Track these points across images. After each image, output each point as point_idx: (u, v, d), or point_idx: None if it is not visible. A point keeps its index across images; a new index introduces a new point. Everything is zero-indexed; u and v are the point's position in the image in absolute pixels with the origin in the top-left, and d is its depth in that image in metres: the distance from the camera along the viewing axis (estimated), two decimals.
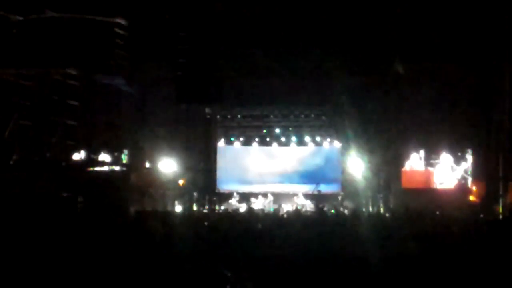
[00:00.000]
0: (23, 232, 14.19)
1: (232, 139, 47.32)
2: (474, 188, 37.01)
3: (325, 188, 45.53)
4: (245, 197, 45.13)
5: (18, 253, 12.63)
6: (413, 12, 36.45)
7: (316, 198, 44.05)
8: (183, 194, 41.99)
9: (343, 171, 44.85)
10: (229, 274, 12.63)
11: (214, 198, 45.16)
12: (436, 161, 38.37)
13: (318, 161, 46.76)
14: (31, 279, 11.70)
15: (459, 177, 37.86)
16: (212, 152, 46.32)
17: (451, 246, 15.78)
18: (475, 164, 37.50)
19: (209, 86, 41.35)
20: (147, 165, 40.77)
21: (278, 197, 44.95)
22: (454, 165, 38.02)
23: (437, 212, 29.07)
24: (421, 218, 23.11)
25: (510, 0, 33.47)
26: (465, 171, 37.84)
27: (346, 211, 37.96)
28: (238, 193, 45.41)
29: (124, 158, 40.06)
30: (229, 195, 45.52)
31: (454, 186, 37.74)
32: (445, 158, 38.05)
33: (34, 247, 13.16)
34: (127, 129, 40.10)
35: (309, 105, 45.04)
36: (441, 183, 38.09)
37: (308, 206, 42.95)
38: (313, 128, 46.96)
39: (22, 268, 11.88)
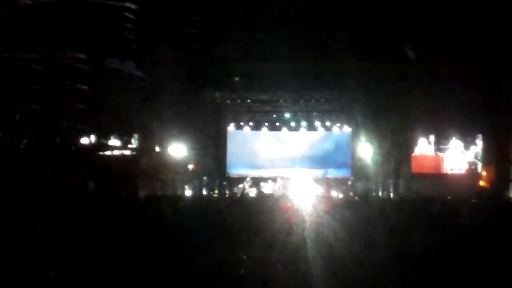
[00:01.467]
0: (33, 219, 14.19)
1: (242, 123, 47.25)
2: (484, 173, 36.89)
3: (334, 173, 45.52)
4: (255, 182, 45.13)
5: (27, 240, 12.63)
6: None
7: (326, 182, 44.03)
8: (193, 179, 42.04)
9: (353, 156, 44.84)
10: (244, 257, 12.65)
11: (224, 183, 45.20)
12: (446, 146, 38.30)
13: (328, 146, 46.73)
14: (40, 266, 11.70)
15: (469, 162, 37.78)
16: (222, 136, 46.34)
17: (462, 232, 15.74)
18: (485, 149, 37.36)
19: (219, 70, 41.35)
20: (157, 149, 40.79)
21: (288, 182, 44.95)
22: (464, 150, 37.93)
23: (448, 197, 29.03)
24: (432, 203, 23.03)
25: None
26: (475, 156, 37.74)
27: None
28: (250, 178, 45.40)
29: (134, 143, 40.09)
30: (239, 180, 45.51)
31: (464, 171, 37.65)
32: (455, 143, 37.97)
33: (44, 234, 13.15)
34: (137, 113, 40.03)
35: (319, 90, 44.91)
36: (451, 169, 38.02)
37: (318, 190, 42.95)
38: (323, 113, 46.94)
39: (32, 256, 11.88)
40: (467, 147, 37.90)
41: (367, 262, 12.73)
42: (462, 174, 37.54)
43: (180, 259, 12.63)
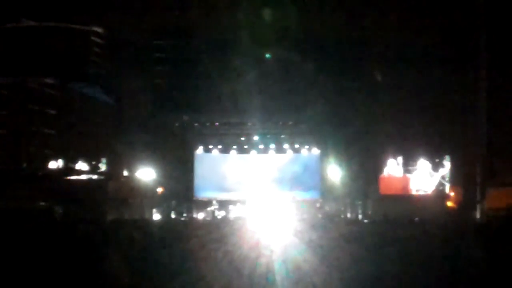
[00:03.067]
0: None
1: (210, 146, 47.14)
2: (452, 194, 37.16)
3: (303, 195, 45.52)
4: (223, 205, 45.02)
5: None
6: (391, 20, 36.62)
7: (295, 204, 44.01)
8: (161, 202, 41.92)
9: (321, 178, 44.84)
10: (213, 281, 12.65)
11: (193, 206, 45.06)
12: (414, 167, 38.52)
13: (296, 168, 46.68)
14: None
15: (437, 183, 38.02)
16: (190, 160, 46.19)
17: (430, 251, 15.82)
18: (453, 170, 37.65)
19: (187, 94, 41.39)
20: (125, 173, 40.66)
21: (257, 204, 44.88)
22: (432, 171, 38.17)
23: (416, 219, 29.17)
24: (400, 224, 23.17)
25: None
26: (443, 177, 37.99)
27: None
28: (217, 201, 45.28)
29: (102, 167, 39.94)
30: (207, 203, 45.38)
31: (432, 192, 37.88)
32: (423, 164, 38.21)
33: (12, 259, 13.06)
34: (105, 137, 39.94)
35: (288, 112, 44.99)
36: (417, 190, 38.23)
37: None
38: (291, 135, 46.92)
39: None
40: (434, 168, 38.14)
41: (335, 284, 12.77)
42: (429, 194, 37.76)
43: (148, 283, 12.60)
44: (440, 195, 37.64)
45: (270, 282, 13.16)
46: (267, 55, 40.92)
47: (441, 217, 31.40)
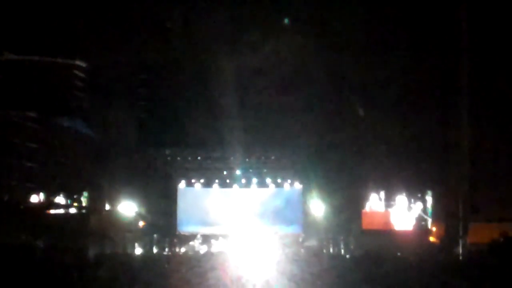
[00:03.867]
0: None
1: (192, 180, 47.07)
2: (434, 229, 37.18)
3: (285, 230, 45.47)
4: (206, 239, 44.88)
5: None
6: (371, 54, 36.89)
7: (276, 239, 43.93)
8: (143, 236, 41.75)
9: (303, 212, 44.85)
10: None
11: (175, 240, 44.89)
12: (394, 202, 38.57)
13: (278, 202, 46.65)
14: None
15: (417, 218, 38.03)
16: (173, 194, 46.10)
17: (412, 287, 15.84)
18: (435, 205, 37.70)
19: (169, 128, 41.42)
20: (107, 207, 40.52)
21: (239, 239, 44.77)
22: (410, 207, 38.21)
23: (398, 254, 29.17)
24: (381, 260, 23.14)
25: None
26: (425, 212, 38.02)
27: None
28: (200, 235, 45.12)
29: (84, 200, 39.78)
30: (190, 237, 45.21)
31: (412, 227, 37.88)
32: (401, 199, 38.28)
33: None
34: (87, 171, 39.80)
35: (270, 147, 45.14)
36: (398, 225, 38.22)
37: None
38: (274, 170, 46.96)
39: None
40: (415, 203, 38.19)
41: None
42: (411, 230, 37.76)
43: None
44: (422, 230, 37.63)
45: None
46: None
47: (424, 252, 31.41)
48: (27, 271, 15.83)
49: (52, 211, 36.39)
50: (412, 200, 38.31)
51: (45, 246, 26.09)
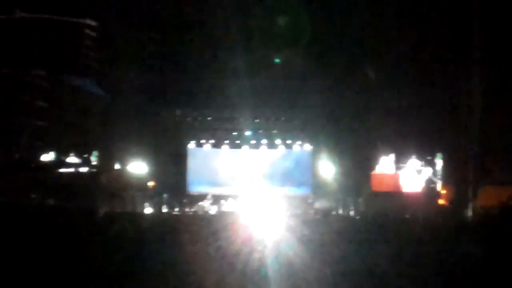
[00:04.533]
0: None
1: (202, 141, 47.05)
2: (444, 192, 37.10)
3: (295, 191, 45.51)
4: (216, 199, 44.94)
5: None
6: (381, 16, 36.65)
7: (286, 200, 43.99)
8: (153, 196, 41.84)
9: (313, 174, 44.83)
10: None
11: (185, 200, 44.99)
12: (404, 165, 38.46)
13: (288, 164, 46.64)
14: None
15: (427, 180, 37.93)
16: (183, 154, 46.12)
17: (421, 248, 15.84)
18: (445, 168, 37.59)
19: (179, 88, 41.30)
20: (117, 166, 40.57)
21: (249, 199, 44.82)
22: (421, 169, 38.08)
23: (407, 216, 29.17)
24: (391, 221, 23.17)
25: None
26: (435, 175, 37.93)
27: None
28: (211, 195, 45.17)
29: (94, 160, 39.83)
30: (200, 197, 45.27)
31: (421, 189, 37.79)
32: (413, 162, 38.15)
33: (3, 252, 13.03)
34: (97, 130, 39.82)
35: (280, 108, 45.02)
36: (407, 187, 38.13)
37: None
38: (283, 131, 46.87)
39: None
40: (425, 165, 38.08)
41: (327, 280, 12.77)
42: (420, 192, 37.66)
43: (139, 277, 12.58)
44: (431, 193, 37.56)
45: (263, 276, 13.16)
46: (276, 60, 40.99)
47: (433, 214, 31.38)
48: (37, 229, 15.88)
49: (62, 170, 36.47)
50: (422, 163, 38.20)
51: (56, 204, 26.19)
